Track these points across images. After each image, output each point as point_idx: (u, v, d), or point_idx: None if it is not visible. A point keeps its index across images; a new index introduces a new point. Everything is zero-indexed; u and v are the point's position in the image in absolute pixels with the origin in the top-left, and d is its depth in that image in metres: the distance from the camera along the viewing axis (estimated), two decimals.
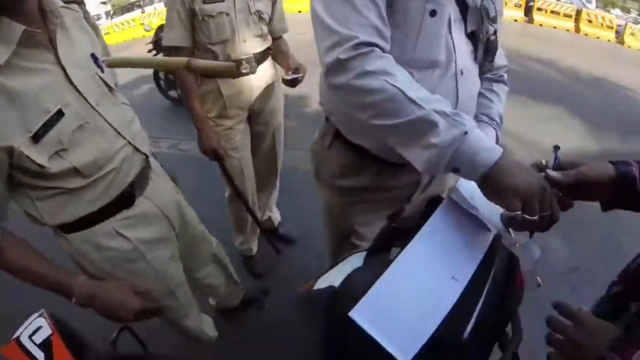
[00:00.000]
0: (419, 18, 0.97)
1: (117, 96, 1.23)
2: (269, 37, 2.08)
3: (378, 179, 1.24)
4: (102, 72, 1.17)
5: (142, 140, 1.28)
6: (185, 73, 1.86)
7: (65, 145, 1.03)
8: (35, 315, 1.12)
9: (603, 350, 0.74)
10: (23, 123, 0.96)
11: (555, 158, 0.90)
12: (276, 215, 2.83)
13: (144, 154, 1.28)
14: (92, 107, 1.10)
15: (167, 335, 1.79)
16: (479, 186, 0.84)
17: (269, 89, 2.15)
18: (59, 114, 1.01)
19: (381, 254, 0.88)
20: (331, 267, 1.02)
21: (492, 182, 0.81)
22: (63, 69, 1.04)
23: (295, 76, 1.96)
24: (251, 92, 2.05)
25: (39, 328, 1.05)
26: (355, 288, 0.78)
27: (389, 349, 0.69)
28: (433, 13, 0.97)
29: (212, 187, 3.25)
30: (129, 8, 10.95)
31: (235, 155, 2.14)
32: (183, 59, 1.49)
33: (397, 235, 0.93)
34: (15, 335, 1.06)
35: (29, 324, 1.08)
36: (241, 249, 2.61)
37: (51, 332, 1.05)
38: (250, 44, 1.96)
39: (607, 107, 5.82)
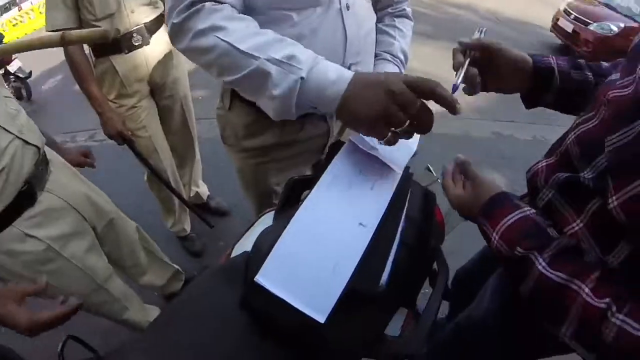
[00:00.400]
0: None
1: None
2: (160, 4, 1.91)
3: (284, 134, 1.17)
4: None
5: (30, 131, 1.19)
6: (76, 55, 1.71)
7: None
8: None
9: (477, 214, 0.76)
10: None
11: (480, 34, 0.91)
12: (203, 189, 2.72)
13: (35, 145, 1.19)
14: None
15: (122, 337, 1.73)
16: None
17: (167, 59, 1.99)
18: None
19: (289, 209, 0.82)
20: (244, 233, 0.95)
21: (346, 115, 0.77)
22: None
23: None
24: (148, 64, 1.90)
25: None
26: (262, 249, 0.72)
27: (303, 309, 0.65)
28: None
29: (137, 172, 3.12)
30: (6, 7, 10.17)
31: (144, 134, 2.00)
32: (57, 34, 1.33)
33: (305, 186, 0.88)
34: None
35: None
36: (174, 231, 2.50)
37: None
38: (138, 14, 1.80)
39: (528, 47, 6.02)
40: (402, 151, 0.83)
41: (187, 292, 0.83)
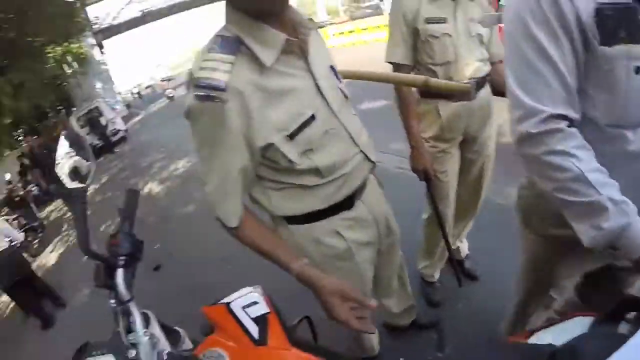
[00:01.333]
0: (624, 77, 0.91)
1: (349, 106, 1.31)
2: (488, 63, 1.98)
3: None
4: (340, 82, 1.28)
5: (370, 148, 1.33)
6: (406, 90, 1.89)
7: (312, 146, 1.15)
8: (250, 289, 1.21)
9: None
10: (281, 123, 1.09)
11: None
12: (464, 247, 2.71)
13: (372, 162, 1.34)
14: (335, 114, 1.20)
15: (339, 333, 1.83)
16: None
17: (486, 116, 2.06)
18: (312, 118, 1.13)
19: (610, 324, 0.81)
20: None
21: None
22: (313, 76, 1.15)
23: None
24: (469, 117, 1.98)
25: (253, 303, 1.14)
26: (581, 356, 0.71)
27: None
28: (638, 70, 0.90)
29: (407, 204, 3.26)
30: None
31: (444, 179, 2.10)
32: (421, 77, 1.51)
33: (630, 307, 0.84)
34: (225, 300, 1.16)
35: (243, 296, 1.17)
36: (424, 273, 2.57)
37: (268, 310, 1.12)
38: (471, 68, 1.89)
39: None
40: None
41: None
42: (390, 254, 1.66)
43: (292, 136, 1.11)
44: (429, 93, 1.93)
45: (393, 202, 3.58)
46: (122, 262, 1.11)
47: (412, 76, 1.55)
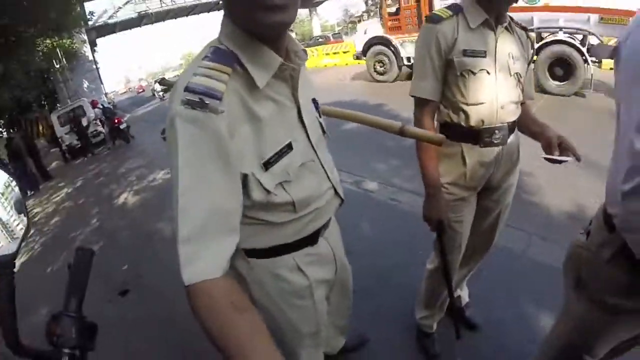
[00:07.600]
0: None
1: (325, 141, 1.28)
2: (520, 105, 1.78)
3: None
4: (320, 117, 1.25)
5: (339, 185, 1.30)
6: (427, 123, 1.72)
7: (290, 177, 1.07)
8: None
9: None
10: (259, 149, 1.00)
11: None
12: (465, 295, 2.49)
13: (342, 198, 1.30)
14: (313, 147, 1.16)
15: None
16: None
17: (514, 164, 1.85)
18: (289, 147, 1.06)
19: None
20: None
21: None
22: (297, 106, 1.11)
23: (563, 159, 1.57)
24: (497, 164, 1.76)
25: None
26: None
27: None
28: None
29: (402, 241, 3.04)
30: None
31: (459, 229, 1.86)
32: (396, 124, 1.38)
33: None
34: None
35: None
36: (422, 324, 2.33)
37: None
38: (506, 111, 1.68)
39: None
40: None
41: None
42: (344, 289, 1.60)
43: (267, 165, 1.01)
44: (454, 134, 1.72)
45: (385, 238, 3.45)
46: (67, 358, 0.81)
47: (389, 122, 1.41)
